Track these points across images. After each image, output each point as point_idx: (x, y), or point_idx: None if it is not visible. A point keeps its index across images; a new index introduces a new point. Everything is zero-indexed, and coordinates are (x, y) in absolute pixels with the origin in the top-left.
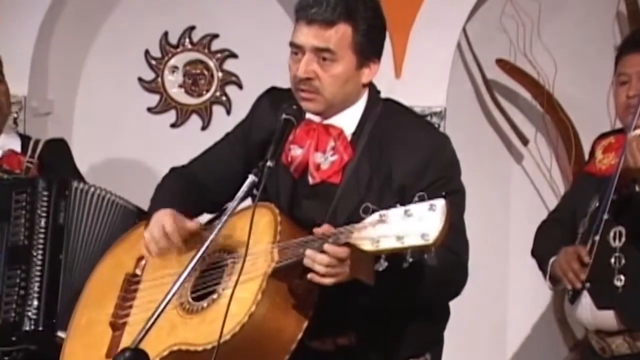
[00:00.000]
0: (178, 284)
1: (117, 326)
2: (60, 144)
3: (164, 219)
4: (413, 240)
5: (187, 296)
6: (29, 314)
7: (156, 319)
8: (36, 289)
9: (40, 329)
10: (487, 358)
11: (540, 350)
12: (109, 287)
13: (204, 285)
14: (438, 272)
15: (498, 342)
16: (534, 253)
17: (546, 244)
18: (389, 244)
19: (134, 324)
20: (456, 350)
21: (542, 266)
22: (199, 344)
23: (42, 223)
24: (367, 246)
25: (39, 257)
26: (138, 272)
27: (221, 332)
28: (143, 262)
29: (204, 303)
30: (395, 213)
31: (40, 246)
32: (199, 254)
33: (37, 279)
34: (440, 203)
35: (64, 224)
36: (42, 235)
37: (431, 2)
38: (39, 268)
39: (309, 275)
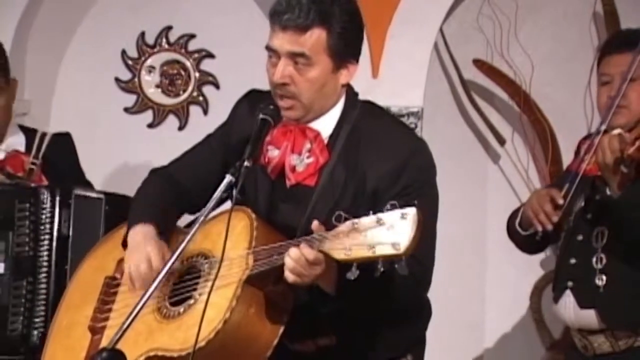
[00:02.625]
0: (151, 289)
1: (96, 330)
2: (66, 139)
3: (149, 251)
4: (384, 249)
5: (164, 301)
6: (37, 326)
7: (132, 322)
8: (43, 301)
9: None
10: (463, 358)
11: (517, 350)
12: (89, 289)
13: (182, 290)
14: (400, 282)
15: (475, 342)
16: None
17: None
18: (360, 253)
19: (112, 328)
20: (432, 350)
21: (512, 219)
22: (174, 350)
23: (47, 234)
24: (339, 255)
25: (45, 268)
26: (117, 275)
27: (197, 339)
28: (124, 264)
29: (181, 308)
30: (368, 221)
31: (46, 257)
32: (170, 262)
33: (44, 290)
34: (412, 212)
35: (68, 234)
36: (46, 246)
37: (408, 1)
38: (44, 280)
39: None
